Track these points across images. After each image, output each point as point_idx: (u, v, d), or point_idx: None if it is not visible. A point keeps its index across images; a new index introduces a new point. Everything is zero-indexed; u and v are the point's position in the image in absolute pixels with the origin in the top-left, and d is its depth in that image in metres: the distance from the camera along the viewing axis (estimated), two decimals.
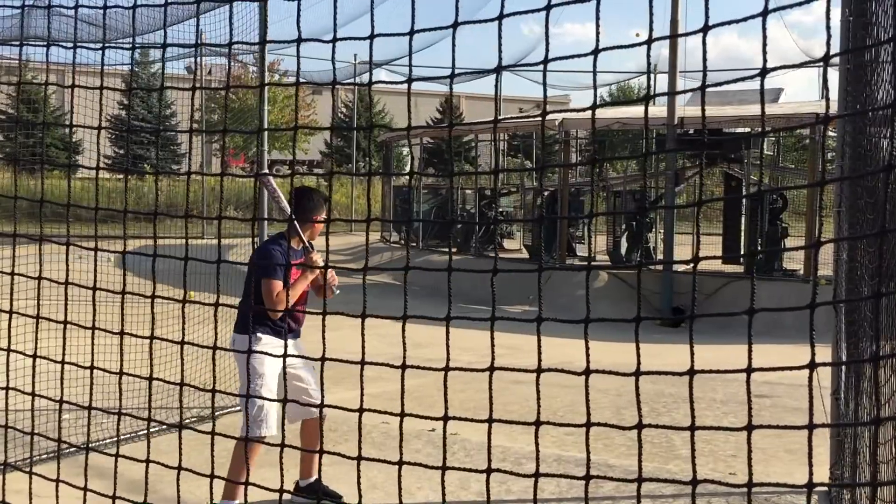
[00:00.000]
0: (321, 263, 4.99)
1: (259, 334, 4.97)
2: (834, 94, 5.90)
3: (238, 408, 7.32)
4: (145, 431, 6.41)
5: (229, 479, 4.21)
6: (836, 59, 5.95)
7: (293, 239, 5.09)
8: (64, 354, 2.54)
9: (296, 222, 5.07)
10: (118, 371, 2.48)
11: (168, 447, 6.02)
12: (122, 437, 6.16)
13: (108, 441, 6.13)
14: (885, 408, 2.52)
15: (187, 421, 6.94)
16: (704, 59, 1.46)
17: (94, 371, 2.58)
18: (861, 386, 3.48)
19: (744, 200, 15.42)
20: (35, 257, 2.79)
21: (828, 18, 1.50)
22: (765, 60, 1.53)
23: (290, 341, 5.10)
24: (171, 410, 7.05)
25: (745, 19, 1.63)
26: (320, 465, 5.25)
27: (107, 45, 2.41)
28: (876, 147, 4.44)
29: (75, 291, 2.70)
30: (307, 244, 5.11)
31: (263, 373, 4.96)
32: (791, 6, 1.74)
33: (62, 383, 2.62)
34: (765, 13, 1.49)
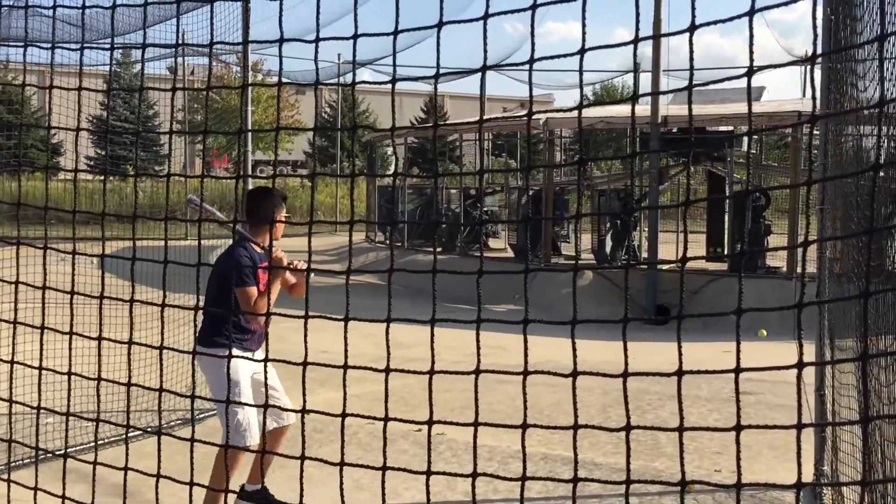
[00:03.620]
0: (285, 260, 4.77)
1: (224, 349, 4.58)
2: (816, 92, 5.93)
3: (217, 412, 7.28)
4: (127, 436, 6.36)
5: (210, 487, 4.10)
6: (820, 54, 5.96)
7: (257, 241, 4.95)
8: (41, 359, 2.51)
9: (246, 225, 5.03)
10: (96, 376, 2.45)
11: (153, 450, 5.96)
12: (104, 440, 6.12)
13: (89, 445, 6.07)
14: (890, 407, 2.52)
15: (173, 423, 6.89)
16: (692, 61, 1.46)
17: (74, 375, 2.55)
18: (870, 384, 3.47)
19: (727, 200, 15.49)
20: (15, 261, 2.75)
21: (814, 18, 1.49)
22: (751, 60, 1.53)
23: (254, 352, 4.98)
24: (154, 413, 7.00)
25: (729, 19, 1.63)
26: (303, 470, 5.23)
27: (85, 45, 2.38)
28: (859, 146, 4.46)
29: (56, 294, 2.67)
30: (260, 249, 4.93)
31: (239, 381, 4.78)
32: (775, 6, 1.74)
33: (39, 389, 2.58)
34: (751, 12, 1.49)
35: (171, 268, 2.44)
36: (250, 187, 7.63)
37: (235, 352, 4.71)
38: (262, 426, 4.61)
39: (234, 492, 2.69)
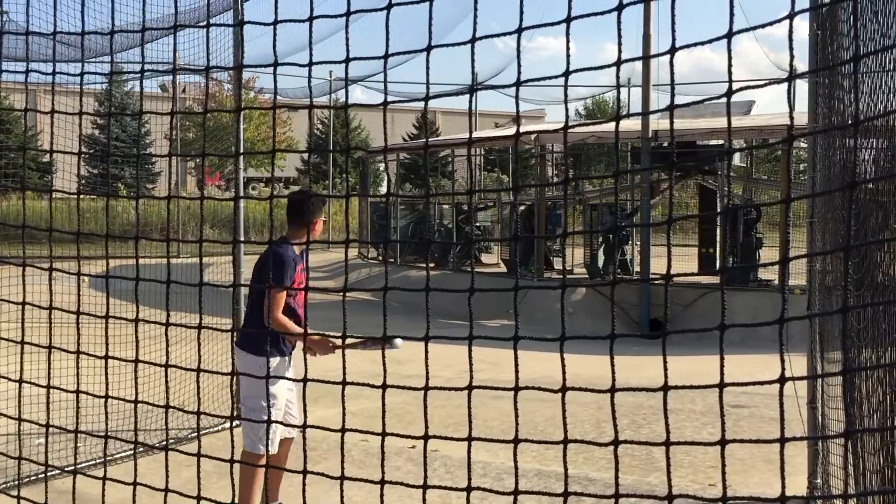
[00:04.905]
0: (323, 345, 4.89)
1: (273, 357, 4.93)
2: (803, 107, 6.00)
3: (218, 428, 7.28)
4: (126, 454, 6.35)
5: (242, 497, 4.55)
6: (806, 73, 6.04)
7: (296, 243, 5.07)
8: (49, 378, 2.53)
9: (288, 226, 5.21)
10: (104, 394, 2.47)
11: (144, 470, 5.96)
12: (99, 460, 6.11)
13: (88, 464, 6.07)
14: (870, 419, 2.55)
15: (163, 443, 6.89)
16: (672, 81, 1.50)
17: (78, 394, 2.57)
18: (853, 395, 3.52)
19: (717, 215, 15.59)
20: (12, 279, 2.77)
21: (790, 39, 1.54)
22: (730, 80, 1.57)
23: (287, 360, 5.16)
24: (148, 432, 6.99)
25: (711, 41, 1.67)
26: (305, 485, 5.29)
27: (86, 70, 2.41)
28: (845, 159, 4.52)
29: (55, 313, 2.69)
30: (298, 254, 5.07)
31: (275, 394, 4.93)
32: (757, 27, 1.79)
33: (48, 407, 2.60)
34: (730, 34, 1.53)
35: (162, 287, 2.46)
36: (241, 205, 7.68)
37: (279, 360, 5.00)
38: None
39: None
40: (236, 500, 4.86)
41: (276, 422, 4.49)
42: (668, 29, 1.62)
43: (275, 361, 4.91)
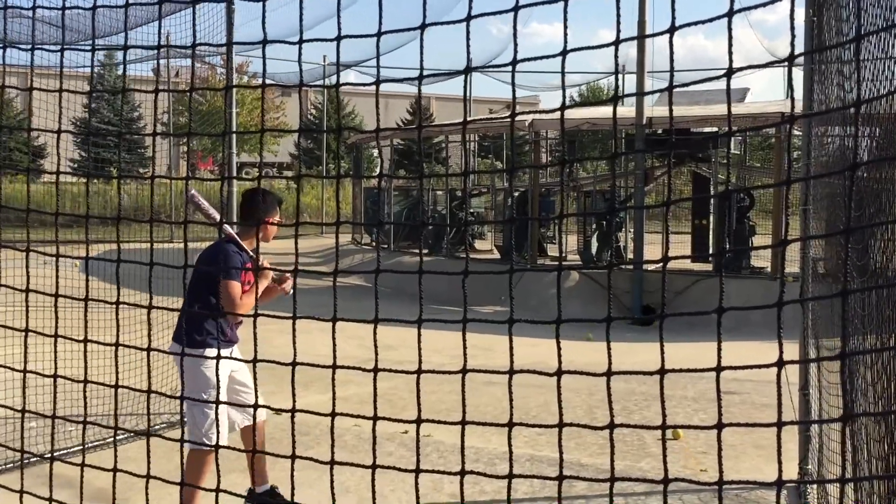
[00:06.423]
0: (271, 275, 4.89)
1: (209, 349, 4.70)
2: (799, 93, 5.99)
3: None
4: (111, 439, 6.33)
5: (190, 487, 4.13)
6: (801, 59, 6.04)
7: (245, 242, 4.89)
8: (25, 363, 2.50)
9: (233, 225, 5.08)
10: (83, 379, 2.44)
11: (136, 454, 5.94)
12: (88, 445, 6.08)
13: (73, 449, 6.04)
14: (875, 406, 2.54)
15: (156, 428, 6.86)
16: (672, 62, 1.47)
17: (58, 379, 2.54)
18: (856, 382, 3.50)
19: (711, 199, 15.60)
20: None
21: (791, 19, 1.51)
22: (731, 61, 1.54)
23: (231, 349, 4.99)
24: (139, 417, 6.96)
25: (711, 20, 1.64)
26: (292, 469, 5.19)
27: (66, 47, 2.37)
28: (844, 146, 4.50)
29: (38, 297, 2.65)
30: (248, 250, 4.87)
31: (216, 384, 4.79)
32: (756, 6, 1.76)
33: (24, 392, 2.57)
34: (730, 14, 1.50)
35: (156, 271, 2.43)
36: (234, 189, 7.62)
37: (218, 350, 4.80)
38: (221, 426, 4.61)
39: (226, 491, 2.65)
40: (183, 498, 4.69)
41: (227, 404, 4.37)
42: (662, 16, 1.60)
43: (212, 352, 4.66)
